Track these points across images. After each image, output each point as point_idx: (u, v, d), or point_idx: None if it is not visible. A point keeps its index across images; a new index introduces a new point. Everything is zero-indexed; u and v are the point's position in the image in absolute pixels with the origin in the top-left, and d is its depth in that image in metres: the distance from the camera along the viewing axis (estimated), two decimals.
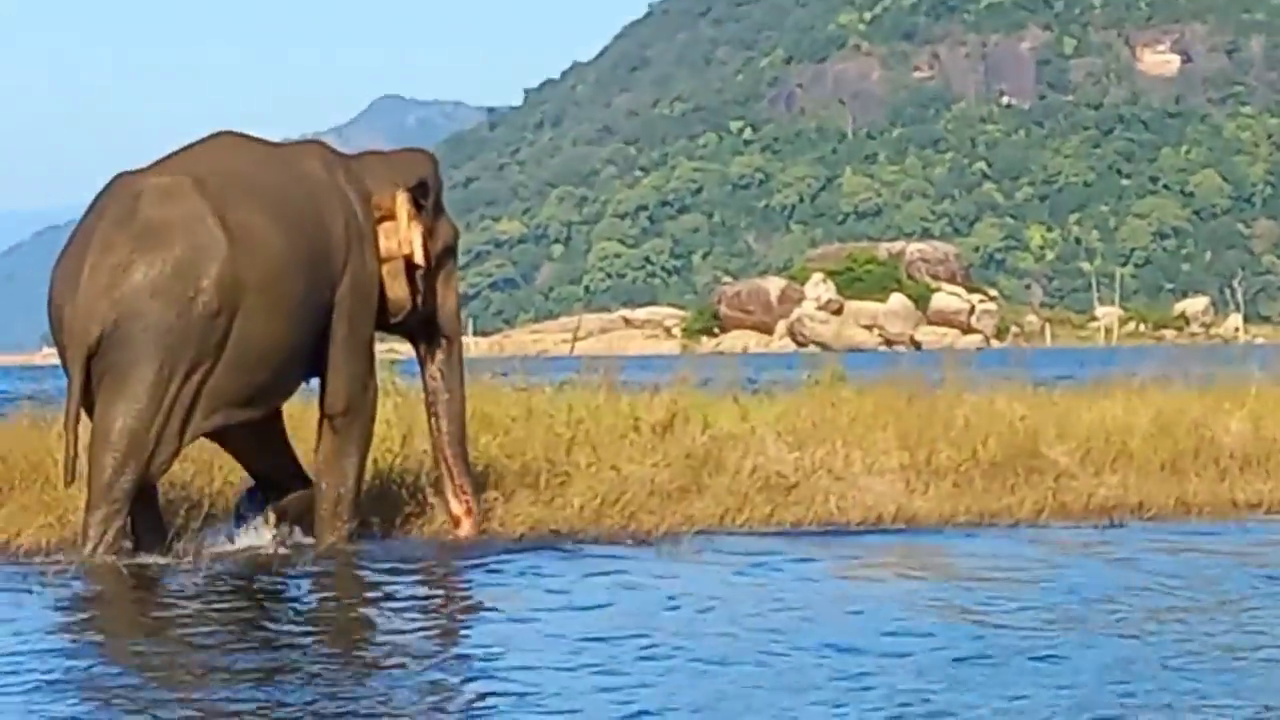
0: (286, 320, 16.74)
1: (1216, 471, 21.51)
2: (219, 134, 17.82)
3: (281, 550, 17.60)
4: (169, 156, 17.37)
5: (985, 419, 21.98)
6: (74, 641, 13.80)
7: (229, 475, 18.99)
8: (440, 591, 16.63)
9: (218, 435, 17.47)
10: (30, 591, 15.74)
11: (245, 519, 17.88)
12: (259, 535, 17.67)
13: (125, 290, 16.07)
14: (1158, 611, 14.56)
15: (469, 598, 16.25)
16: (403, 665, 12.71)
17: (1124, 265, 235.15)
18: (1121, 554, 17.92)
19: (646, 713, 10.94)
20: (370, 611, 15.64)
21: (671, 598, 15.34)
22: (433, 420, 18.43)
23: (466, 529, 18.21)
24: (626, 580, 16.38)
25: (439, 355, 18.50)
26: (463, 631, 14.57)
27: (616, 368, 23.55)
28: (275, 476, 17.94)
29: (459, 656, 13.17)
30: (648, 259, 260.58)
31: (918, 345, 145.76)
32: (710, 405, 22.20)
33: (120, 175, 16.99)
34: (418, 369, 18.85)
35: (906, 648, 12.89)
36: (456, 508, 18.24)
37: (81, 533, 16.42)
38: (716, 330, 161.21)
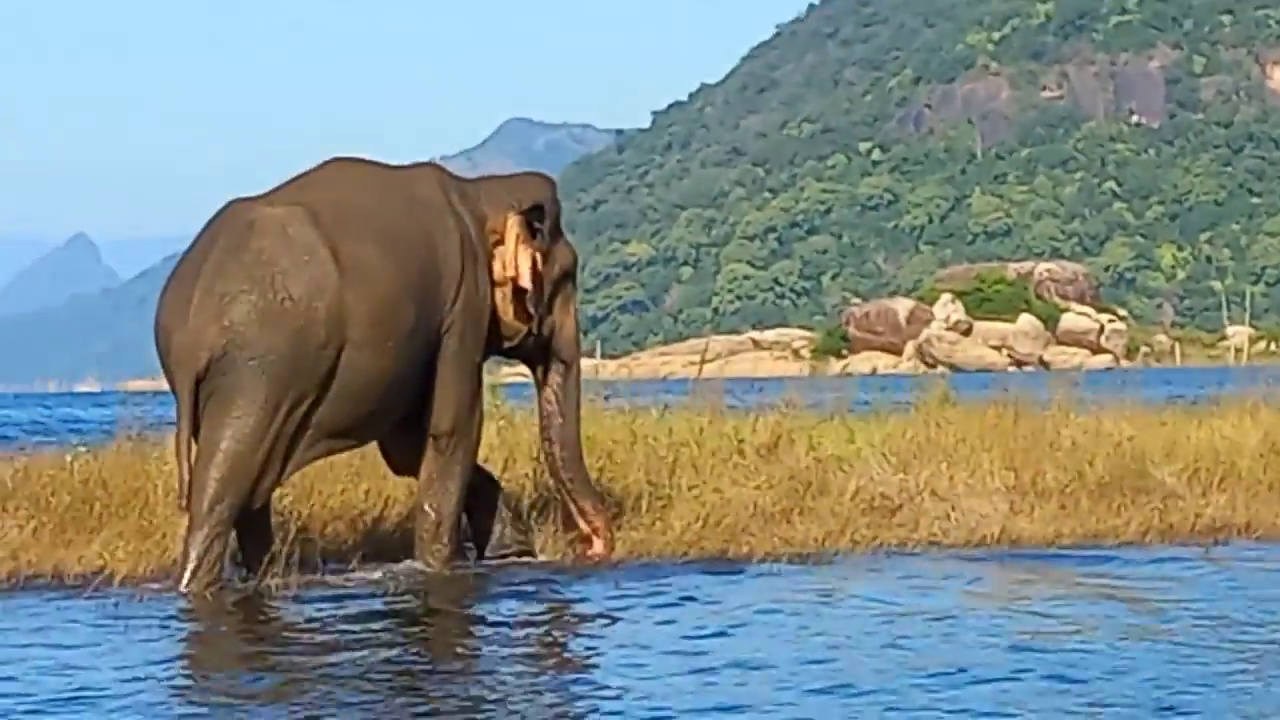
0: (395, 353, 16.74)
1: None
2: (333, 160, 17.86)
3: (387, 575, 17.43)
4: (283, 185, 17.39)
5: (1092, 439, 21.83)
6: (167, 670, 13.67)
7: (327, 500, 18.99)
8: (538, 614, 16.34)
9: (381, 446, 17.90)
10: (127, 618, 15.64)
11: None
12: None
13: (235, 319, 16.10)
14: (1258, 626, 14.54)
15: (565, 620, 16.12)
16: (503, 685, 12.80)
17: (1255, 284, 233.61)
18: (1228, 574, 17.73)
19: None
20: (463, 636, 15.55)
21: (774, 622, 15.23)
22: (546, 444, 18.38)
23: (599, 548, 18.16)
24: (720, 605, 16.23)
25: (555, 379, 18.39)
26: (563, 652, 14.58)
27: (722, 390, 23.53)
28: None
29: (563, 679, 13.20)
30: (776, 280, 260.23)
31: (1047, 365, 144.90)
32: (817, 427, 22.12)
33: (233, 202, 17.01)
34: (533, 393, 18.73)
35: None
36: (586, 528, 18.18)
37: (181, 556, 16.41)
38: (845, 351, 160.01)
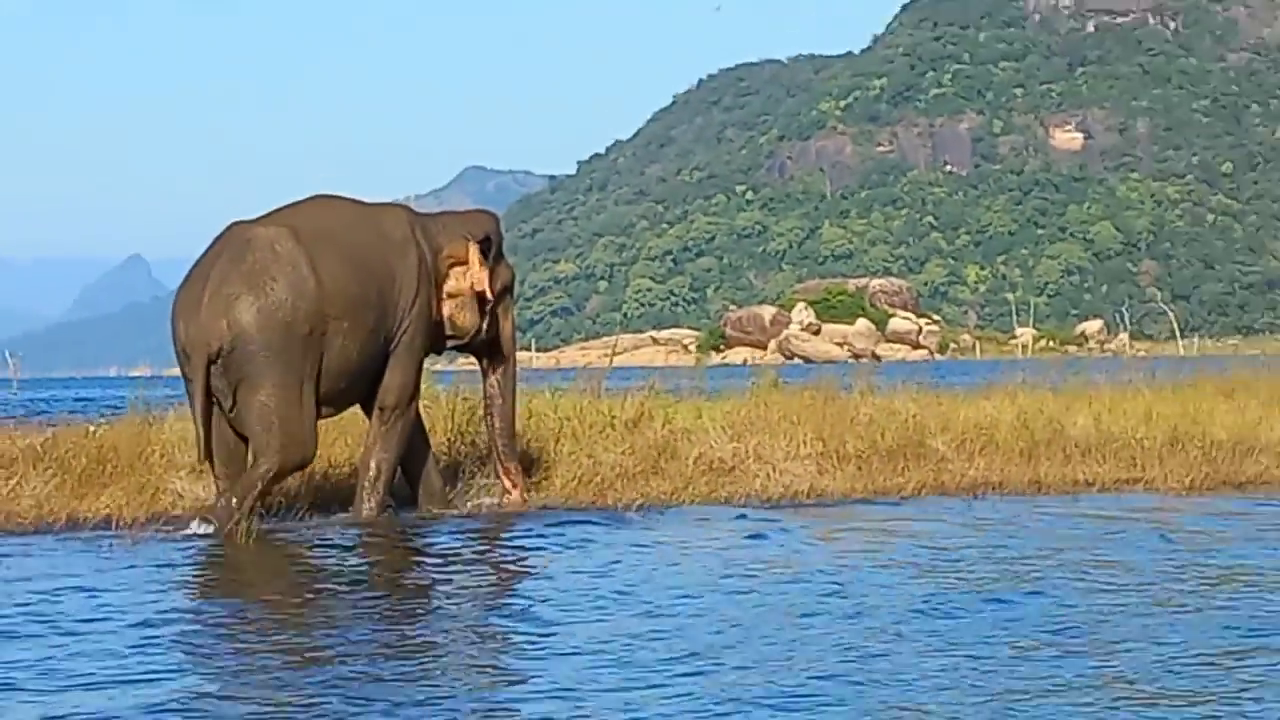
0: (358, 344, 16.92)
1: (1063, 456, 21.20)
2: (317, 196, 17.97)
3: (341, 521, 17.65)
4: (275, 211, 17.46)
5: (884, 415, 21.67)
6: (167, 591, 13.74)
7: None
8: (458, 547, 16.34)
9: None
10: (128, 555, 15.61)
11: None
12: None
13: (237, 317, 16.22)
14: (1012, 560, 14.80)
15: (492, 556, 16.13)
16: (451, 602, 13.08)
17: (1039, 296, 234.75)
18: (983, 518, 17.79)
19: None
20: (409, 564, 15.68)
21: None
22: (488, 418, 18.51)
23: (516, 498, 18.36)
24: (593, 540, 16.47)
25: (497, 369, 18.54)
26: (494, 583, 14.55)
27: (602, 376, 23.53)
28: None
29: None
30: (672, 292, 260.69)
31: (878, 358, 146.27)
32: (673, 406, 22.07)
33: (234, 224, 17.16)
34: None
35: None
36: (508, 484, 18.40)
37: (225, 505, 16.55)
38: (722, 347, 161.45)
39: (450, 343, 18.51)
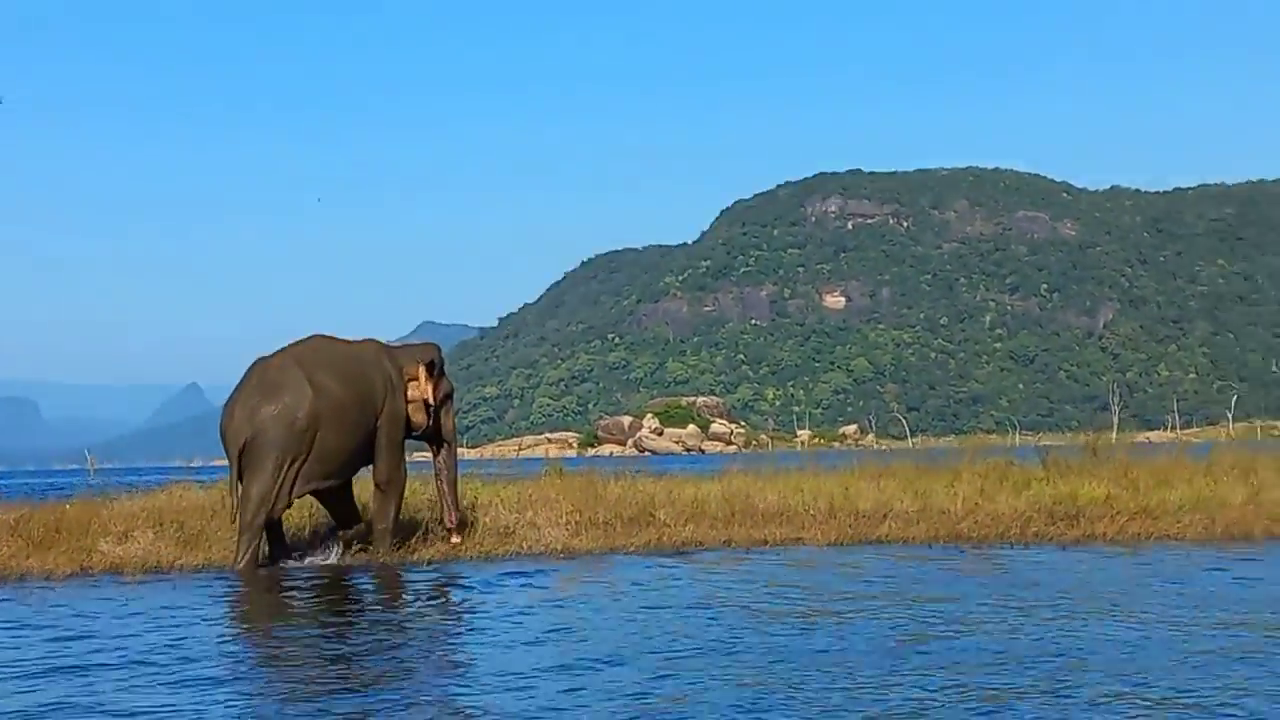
0: (346, 434, 17.66)
1: (751, 522, 20.48)
2: (315, 335, 18.62)
3: (348, 561, 18.05)
4: (286, 346, 18.21)
5: (630, 493, 21.13)
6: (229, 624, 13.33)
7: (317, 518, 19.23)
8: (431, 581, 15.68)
9: (316, 495, 18.36)
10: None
11: (328, 544, 18.59)
12: (336, 553, 18.36)
13: (257, 419, 17.18)
14: (715, 594, 14.25)
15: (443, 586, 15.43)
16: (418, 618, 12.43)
17: (815, 408, 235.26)
18: (689, 570, 17.07)
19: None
20: (398, 595, 15.46)
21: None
22: (439, 484, 18.98)
23: (456, 539, 18.81)
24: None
25: (443, 452, 19.03)
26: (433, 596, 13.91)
27: (483, 468, 23.38)
28: (346, 519, 18.78)
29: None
30: (564, 406, 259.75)
31: (703, 451, 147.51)
32: (486, 488, 21.56)
33: (259, 358, 17.98)
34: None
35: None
36: (452, 532, 18.85)
37: (236, 551, 17.20)
38: (595, 443, 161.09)
39: (409, 434, 18.81)
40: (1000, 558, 17.83)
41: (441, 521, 19.11)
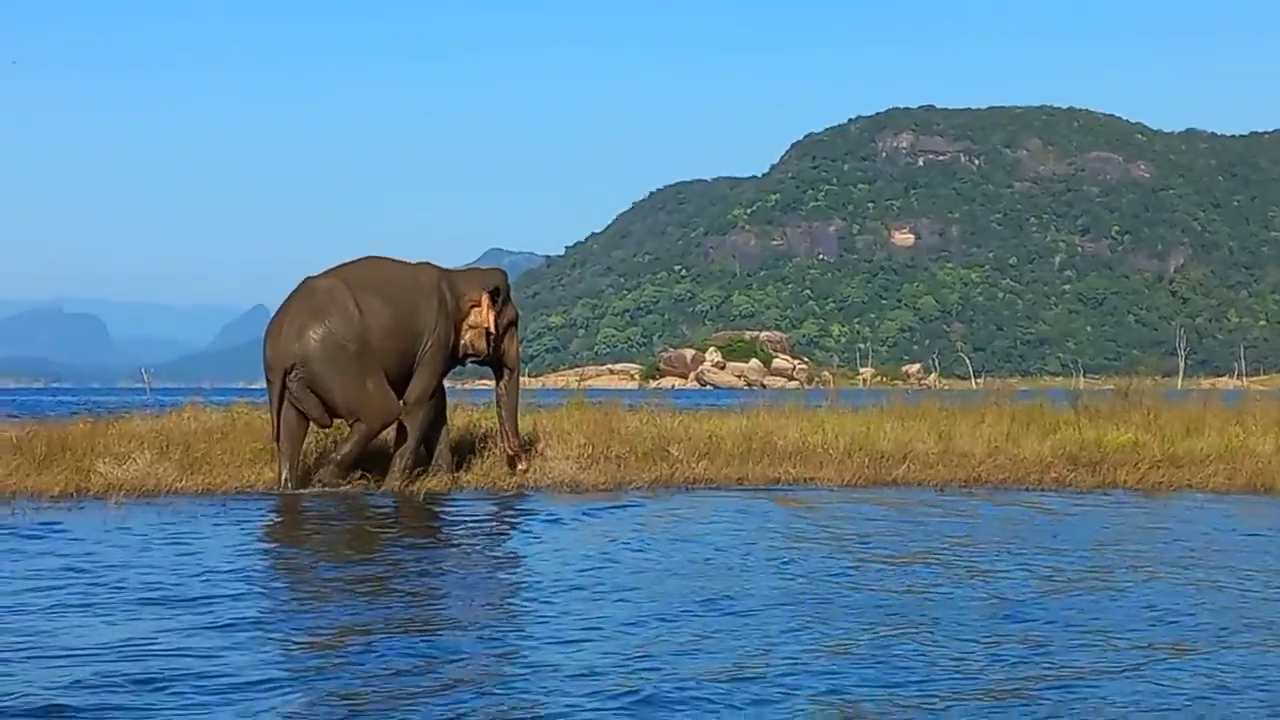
0: (394, 355, 17.44)
1: (770, 460, 20.03)
2: (366, 257, 18.36)
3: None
4: (335, 267, 17.98)
5: (646, 427, 20.73)
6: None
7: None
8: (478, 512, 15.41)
9: None
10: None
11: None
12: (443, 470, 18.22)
13: (307, 342, 17.01)
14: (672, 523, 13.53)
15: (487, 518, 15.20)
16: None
17: (880, 346, 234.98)
18: (695, 506, 16.62)
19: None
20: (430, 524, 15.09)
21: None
22: (498, 411, 18.81)
23: (523, 467, 18.68)
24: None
25: (505, 378, 18.83)
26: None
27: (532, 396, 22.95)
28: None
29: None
30: (629, 338, 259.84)
31: (764, 386, 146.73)
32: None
33: (306, 278, 17.76)
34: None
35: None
36: (517, 458, 18.68)
37: (335, 466, 17.37)
38: (657, 376, 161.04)
39: (469, 360, 18.77)
40: (1000, 502, 17.42)
41: (503, 450, 18.94)
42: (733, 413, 23.59)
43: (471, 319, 18.37)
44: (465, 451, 19.34)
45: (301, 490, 17.04)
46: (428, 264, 18.72)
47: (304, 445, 17.65)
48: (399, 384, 17.60)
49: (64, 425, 19.52)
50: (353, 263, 18.15)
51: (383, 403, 17.27)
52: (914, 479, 19.53)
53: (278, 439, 17.18)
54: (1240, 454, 20.53)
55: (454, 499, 17.20)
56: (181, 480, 17.28)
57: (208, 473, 17.65)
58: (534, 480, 18.53)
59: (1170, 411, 22.81)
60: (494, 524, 15.11)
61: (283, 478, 17.06)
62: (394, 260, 18.45)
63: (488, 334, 18.38)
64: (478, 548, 13.13)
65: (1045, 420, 22.50)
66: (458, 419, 20.12)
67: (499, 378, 18.92)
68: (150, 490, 16.83)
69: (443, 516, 15.67)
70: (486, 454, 19.38)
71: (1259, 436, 21.40)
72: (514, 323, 18.98)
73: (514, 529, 14.66)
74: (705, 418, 22.43)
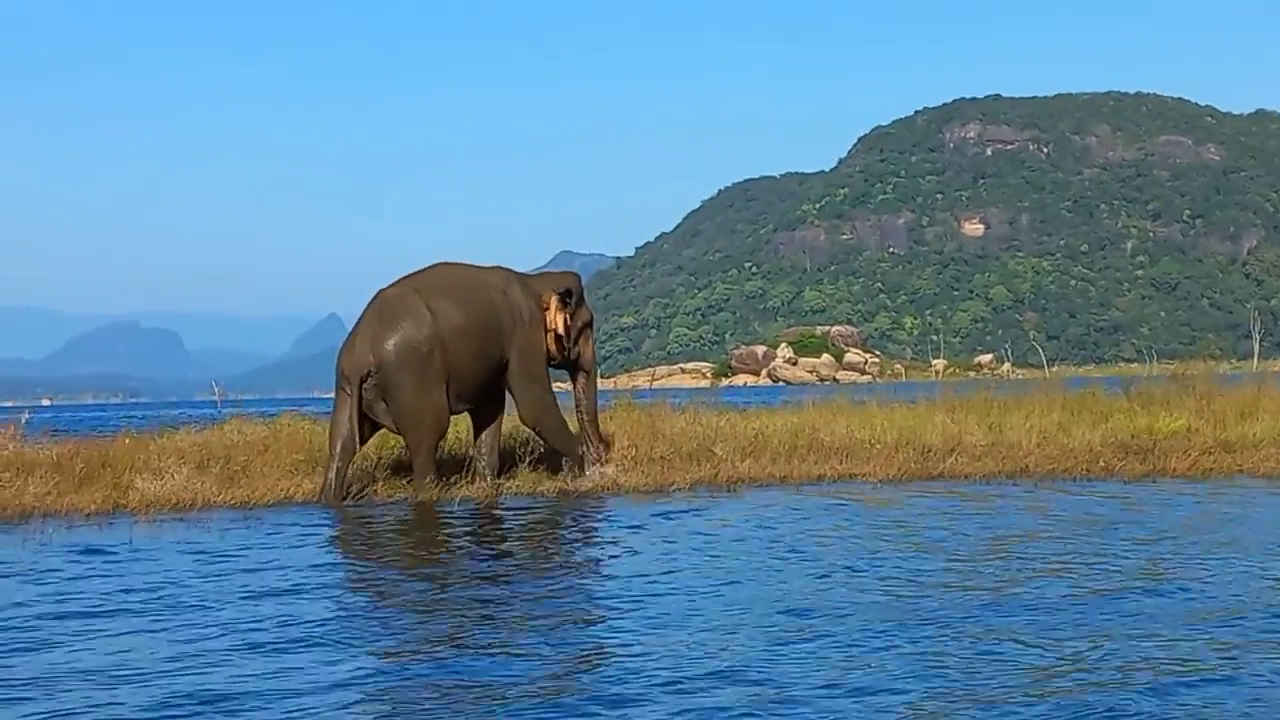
0: (470, 359, 17.41)
1: (816, 457, 19.73)
2: (437, 263, 18.38)
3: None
4: (408, 275, 18.06)
5: (689, 427, 20.49)
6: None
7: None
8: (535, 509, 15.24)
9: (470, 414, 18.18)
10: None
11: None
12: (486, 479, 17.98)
13: (382, 349, 17.09)
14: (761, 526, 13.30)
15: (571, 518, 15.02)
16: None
17: (954, 338, 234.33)
18: (741, 505, 16.30)
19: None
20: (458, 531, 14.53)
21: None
22: (578, 414, 18.79)
23: (610, 470, 18.56)
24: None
25: (582, 380, 18.87)
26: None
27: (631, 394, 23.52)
28: (488, 448, 18.18)
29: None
30: (701, 336, 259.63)
31: (837, 380, 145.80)
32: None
33: (380, 290, 17.73)
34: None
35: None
36: (595, 455, 18.63)
37: (416, 481, 17.32)
38: (729, 374, 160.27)
39: (549, 364, 18.63)
40: (1035, 495, 17.08)
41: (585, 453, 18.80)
42: (784, 409, 23.34)
43: (546, 320, 18.37)
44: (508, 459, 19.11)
45: (343, 502, 16.91)
46: (500, 268, 18.75)
47: (354, 458, 17.50)
48: (480, 384, 17.69)
49: (105, 442, 19.44)
50: (423, 270, 18.22)
51: (436, 415, 17.21)
52: (961, 472, 19.22)
53: (332, 443, 17.22)
54: None
55: (491, 506, 16.97)
56: (220, 494, 17.16)
57: (247, 485, 17.52)
58: (573, 484, 18.24)
59: (1225, 396, 22.39)
60: (522, 529, 14.82)
61: (326, 485, 17.05)
62: (465, 265, 18.49)
63: (560, 336, 18.38)
64: (513, 555, 12.86)
65: (1098, 408, 22.14)
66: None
67: (575, 380, 18.96)
68: (186, 504, 16.72)
69: (470, 524, 15.43)
70: (527, 458, 19.16)
71: None
72: (589, 325, 19.01)
73: (554, 534, 14.41)
74: (754, 416, 22.20)
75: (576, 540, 13.97)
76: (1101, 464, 19.32)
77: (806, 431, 20.79)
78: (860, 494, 17.35)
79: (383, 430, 17.82)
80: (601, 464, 18.58)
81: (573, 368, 18.87)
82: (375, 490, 17.53)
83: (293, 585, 11.06)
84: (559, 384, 19.14)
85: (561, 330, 18.34)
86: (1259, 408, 21.62)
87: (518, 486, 18.06)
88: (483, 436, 18.18)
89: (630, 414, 20.77)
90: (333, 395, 17.64)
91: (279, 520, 15.56)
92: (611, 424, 20.38)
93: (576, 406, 18.79)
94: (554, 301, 18.38)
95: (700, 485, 18.49)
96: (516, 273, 18.82)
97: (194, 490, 17.08)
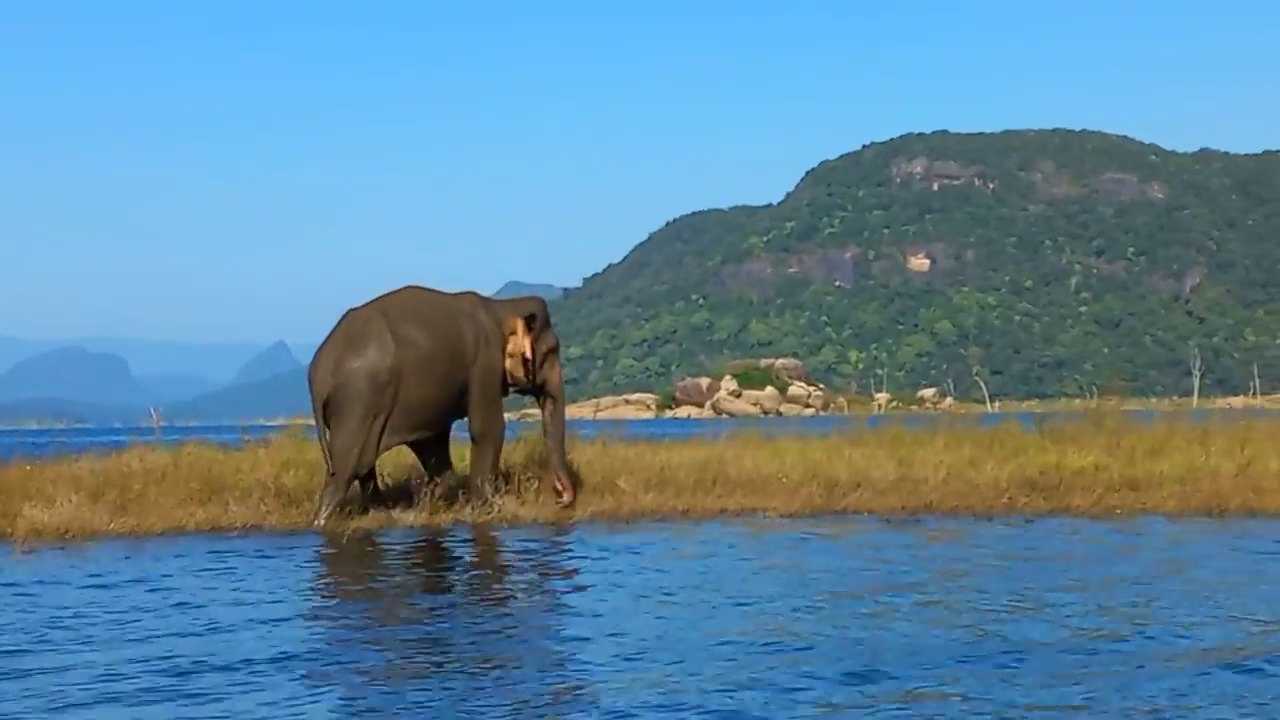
0: (434, 386, 17.44)
1: (721, 490, 19.50)
2: (406, 287, 18.42)
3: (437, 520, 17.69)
4: (375, 298, 18.09)
5: (596, 460, 20.31)
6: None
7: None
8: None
9: (411, 446, 18.34)
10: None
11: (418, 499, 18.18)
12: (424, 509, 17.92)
13: (341, 372, 17.15)
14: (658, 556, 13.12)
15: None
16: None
17: (899, 372, 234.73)
18: (642, 537, 16.03)
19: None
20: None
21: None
22: (547, 440, 18.81)
23: (568, 499, 18.45)
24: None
25: (549, 406, 18.87)
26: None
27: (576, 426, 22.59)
28: (438, 472, 18.22)
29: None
30: (647, 368, 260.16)
31: (780, 413, 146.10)
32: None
33: (349, 310, 17.87)
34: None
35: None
36: (560, 488, 18.52)
37: (318, 505, 17.35)
38: (673, 405, 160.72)
39: (512, 389, 18.73)
40: (909, 532, 16.88)
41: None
42: (696, 442, 23.15)
43: (509, 347, 18.38)
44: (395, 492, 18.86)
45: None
46: (468, 293, 18.82)
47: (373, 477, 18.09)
48: (442, 410, 17.75)
49: (2, 469, 19.12)
50: (394, 293, 18.27)
51: (364, 449, 17.25)
52: (864, 507, 19.03)
53: (328, 463, 17.31)
54: (1202, 475, 19.97)
55: (384, 535, 16.71)
56: (110, 523, 16.86)
57: (138, 514, 17.22)
58: (466, 517, 17.96)
59: (1136, 433, 22.30)
60: (400, 561, 14.57)
61: (322, 512, 17.24)
62: (433, 290, 18.52)
63: (525, 361, 18.42)
64: (377, 588, 12.61)
65: (1011, 444, 22.01)
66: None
67: (543, 406, 19.03)
68: (75, 533, 16.41)
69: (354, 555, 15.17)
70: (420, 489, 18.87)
71: (1220, 458, 20.81)
72: (554, 350, 19.02)
73: (426, 568, 14.16)
74: (664, 448, 21.96)
75: (441, 573, 13.74)
76: (1005, 500, 19.17)
77: (714, 465, 20.57)
78: (757, 526, 17.14)
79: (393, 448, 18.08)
80: (565, 493, 18.59)
81: (539, 393, 18.91)
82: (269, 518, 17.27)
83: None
84: (532, 411, 19.30)
85: (528, 354, 18.39)
86: (1169, 445, 21.52)
87: (412, 520, 17.77)
88: (435, 462, 18.36)
89: (540, 444, 20.46)
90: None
91: (162, 551, 15.27)
92: (518, 454, 20.19)
93: (543, 431, 18.94)
94: (520, 326, 18.42)
95: (600, 518, 18.23)
96: (483, 297, 18.91)
97: (83, 519, 16.76)
